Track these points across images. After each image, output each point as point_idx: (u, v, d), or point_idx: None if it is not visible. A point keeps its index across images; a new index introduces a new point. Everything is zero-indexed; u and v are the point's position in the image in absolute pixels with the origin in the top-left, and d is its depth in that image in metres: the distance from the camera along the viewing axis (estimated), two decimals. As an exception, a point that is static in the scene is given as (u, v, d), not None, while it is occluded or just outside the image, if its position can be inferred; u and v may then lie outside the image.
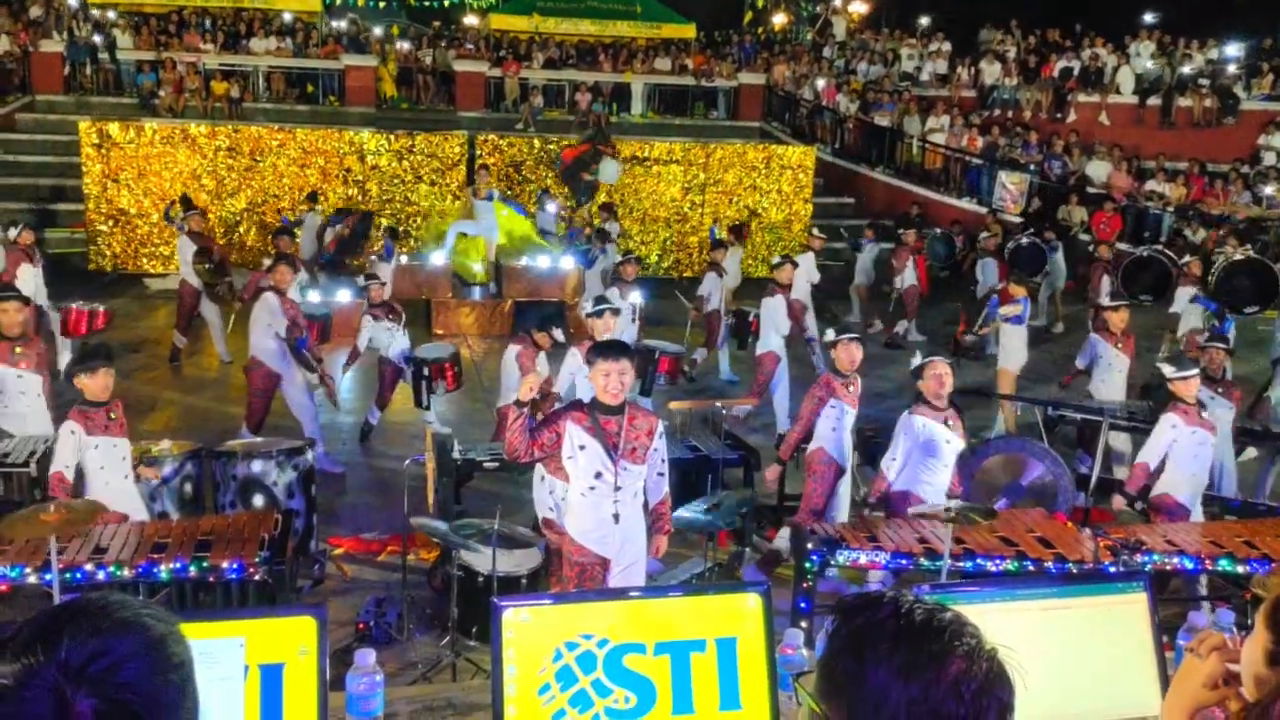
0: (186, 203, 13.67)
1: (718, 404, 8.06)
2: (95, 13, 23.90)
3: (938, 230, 16.35)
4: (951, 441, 6.20)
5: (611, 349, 4.83)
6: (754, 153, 17.95)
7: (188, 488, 6.57)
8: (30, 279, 10.10)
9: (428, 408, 9.06)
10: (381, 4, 33.98)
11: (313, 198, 15.01)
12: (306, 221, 14.58)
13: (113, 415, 5.58)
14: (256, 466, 6.58)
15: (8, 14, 21.96)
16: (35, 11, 22.61)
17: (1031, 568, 5.43)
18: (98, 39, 22.17)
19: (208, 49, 22.53)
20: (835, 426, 6.77)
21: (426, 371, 8.79)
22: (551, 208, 15.74)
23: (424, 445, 7.56)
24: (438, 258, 13.79)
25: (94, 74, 21.66)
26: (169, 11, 24.69)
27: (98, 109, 19.94)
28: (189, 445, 6.86)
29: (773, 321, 9.71)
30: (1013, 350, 9.75)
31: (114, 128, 15.74)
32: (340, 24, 28.20)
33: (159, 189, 15.47)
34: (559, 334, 7.83)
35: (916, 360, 6.38)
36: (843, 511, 6.87)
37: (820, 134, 22.21)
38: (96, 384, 5.52)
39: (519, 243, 14.55)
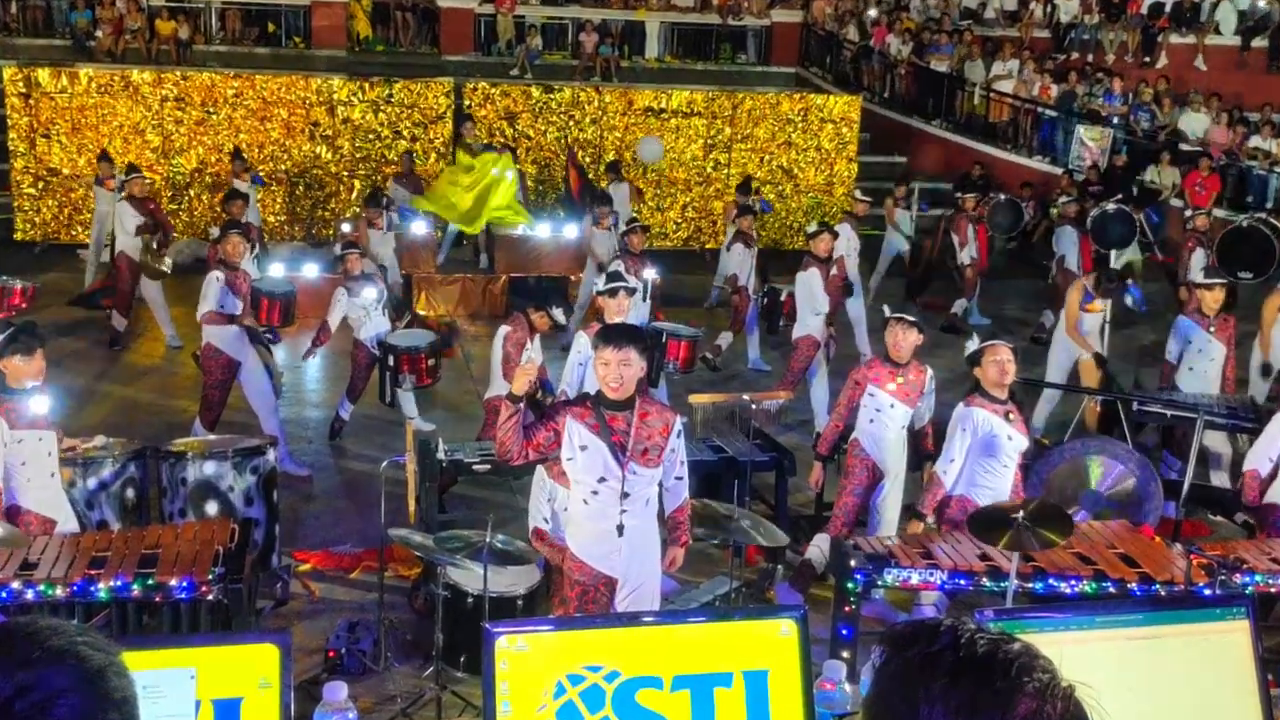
0: (107, 158, 13.65)
1: (745, 397, 8.06)
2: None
3: (1002, 196, 16.29)
4: (1014, 439, 6.18)
5: (613, 335, 4.86)
6: (789, 103, 17.89)
7: (130, 493, 6.61)
8: None
9: (391, 403, 9.11)
10: (354, -71, 33.98)
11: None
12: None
13: (39, 405, 5.62)
14: (209, 469, 6.61)
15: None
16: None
17: (1113, 590, 5.42)
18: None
19: (152, -18, 22.57)
20: (873, 419, 6.75)
21: (393, 361, 8.80)
22: (624, 189, 15.19)
23: (404, 444, 7.58)
24: (419, 226, 13.81)
25: (20, 11, 21.72)
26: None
27: (25, 52, 19.94)
28: (131, 443, 6.88)
29: (809, 300, 9.67)
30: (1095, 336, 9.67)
31: (43, 74, 15.78)
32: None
33: (96, 145, 15.50)
34: (559, 314, 7.83)
35: (973, 344, 6.36)
36: (889, 522, 6.86)
37: (867, 81, 22.13)
38: (33, 367, 5.57)
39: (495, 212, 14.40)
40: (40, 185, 15.78)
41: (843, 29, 23.67)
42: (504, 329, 7.76)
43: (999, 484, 6.19)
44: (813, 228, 10.24)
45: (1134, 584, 5.44)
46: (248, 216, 14.33)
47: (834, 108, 18.02)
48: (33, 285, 10.06)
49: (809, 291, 9.67)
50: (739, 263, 11.68)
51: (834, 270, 10.05)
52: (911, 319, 6.77)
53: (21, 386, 5.55)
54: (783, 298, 11.02)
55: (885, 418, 6.72)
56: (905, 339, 6.70)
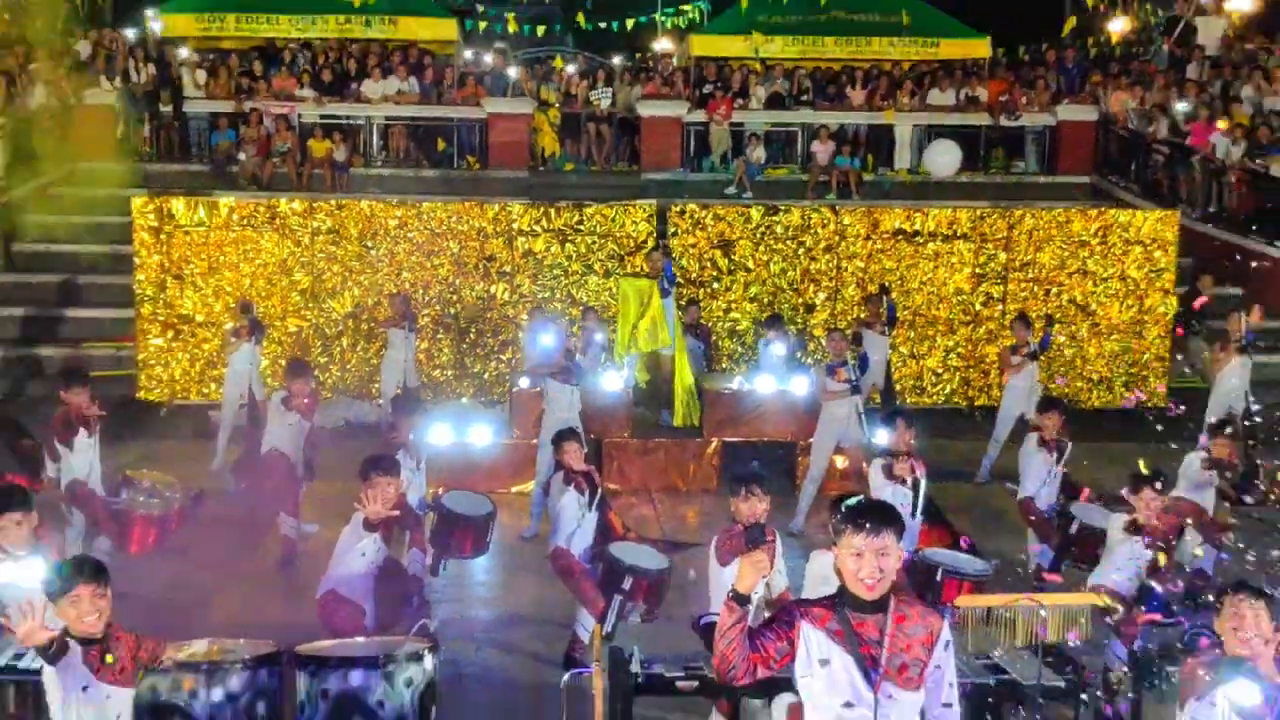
0: (247, 309, 14.50)
1: (1033, 601, 7.79)
2: (159, 51, 26.03)
3: None
4: None
5: (867, 515, 4.76)
6: (1083, 220, 17.71)
7: (261, 707, 6.75)
8: (88, 451, 10.77)
9: (610, 635, 8.93)
10: (540, 29, 35.78)
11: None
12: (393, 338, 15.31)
13: (109, 657, 5.66)
14: (356, 680, 6.72)
15: (46, 55, 23.98)
16: (82, 50, 24.63)
17: None
18: (160, 78, 24.16)
19: (305, 96, 24.10)
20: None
21: (629, 584, 8.66)
22: (781, 348, 14.85)
23: (590, 650, 7.59)
24: (612, 380, 14.05)
25: (153, 133, 23.50)
26: (253, 47, 26.53)
27: (158, 180, 21.46)
28: (266, 645, 7.05)
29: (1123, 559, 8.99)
30: None
31: (178, 205, 16.90)
32: (485, 57, 29.77)
33: (235, 287, 16.44)
34: (758, 501, 7.61)
35: None
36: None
37: (1186, 192, 21.73)
38: (79, 611, 5.63)
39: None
40: (170, 335, 16.76)
41: (1151, 127, 23.39)
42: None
43: None
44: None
45: None
46: (404, 376, 14.94)
47: (1143, 226, 17.71)
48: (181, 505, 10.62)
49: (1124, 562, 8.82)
50: (1036, 470, 10.95)
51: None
52: (1260, 589, 6.01)
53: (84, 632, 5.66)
54: (1074, 529, 10.10)
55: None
56: (1257, 623, 5.83)
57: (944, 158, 21.94)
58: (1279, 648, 5.77)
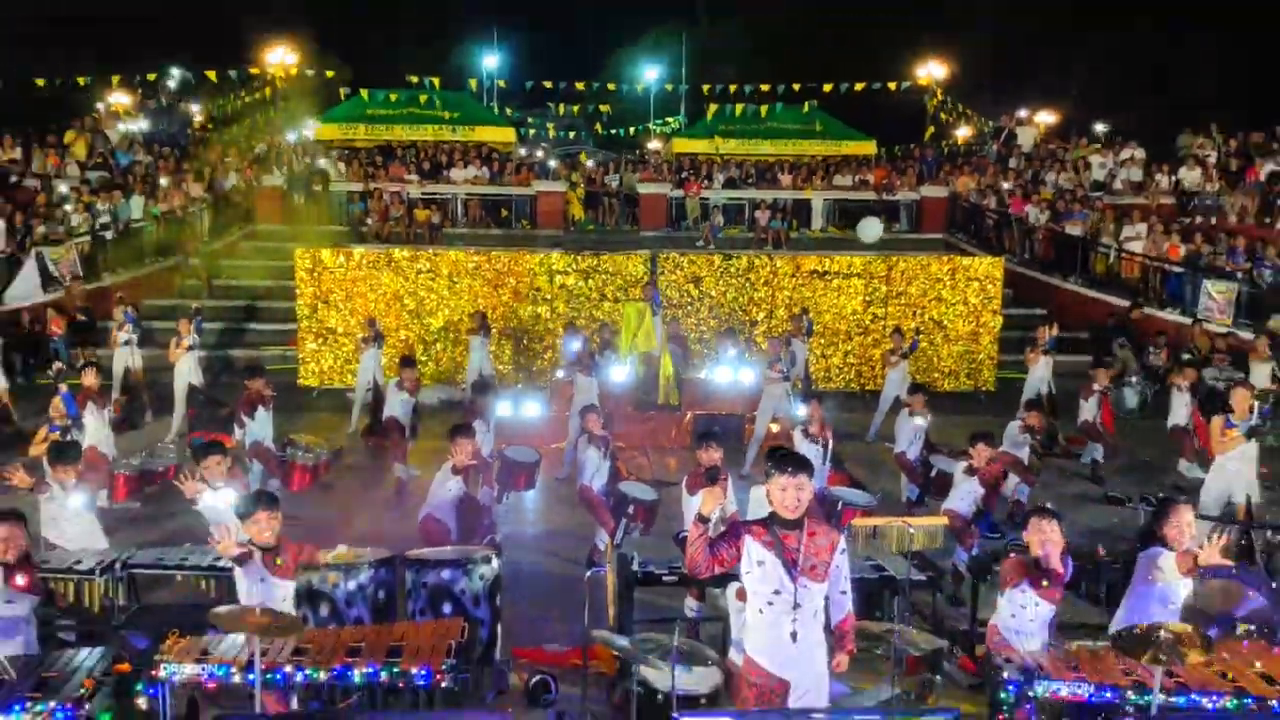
0: (372, 324, 14.50)
1: (904, 522, 7.81)
2: (313, 149, 26.11)
3: (1133, 379, 15.30)
4: (1186, 589, 5.81)
5: (789, 462, 4.75)
6: (938, 264, 17.68)
7: (381, 594, 6.79)
8: (265, 420, 10.78)
9: (619, 545, 9.00)
10: (571, 134, 35.83)
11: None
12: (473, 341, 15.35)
13: (279, 560, 5.66)
14: (446, 575, 6.76)
15: (237, 152, 24.29)
16: (259, 149, 24.96)
17: (1254, 706, 4.98)
18: (316, 166, 24.19)
19: (412, 179, 24.15)
20: (1015, 614, 5.84)
21: (630, 510, 8.76)
22: (734, 350, 14.83)
23: (605, 555, 7.59)
24: (619, 372, 14.05)
25: (308, 204, 23.53)
26: (377, 146, 26.75)
27: (311, 236, 21.35)
28: (384, 551, 7.10)
29: (964, 499, 8.74)
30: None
31: (326, 253, 16.90)
32: (535, 153, 29.83)
33: (364, 309, 16.47)
34: (715, 452, 7.56)
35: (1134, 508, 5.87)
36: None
37: (1008, 245, 21.74)
38: (259, 528, 5.68)
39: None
40: (320, 341, 16.76)
41: (985, 200, 23.42)
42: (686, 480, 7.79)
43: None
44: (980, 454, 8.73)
45: (1275, 701, 4.99)
46: (480, 369, 14.99)
47: (979, 268, 17.69)
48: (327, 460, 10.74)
49: (965, 495, 8.74)
50: (906, 433, 10.94)
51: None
52: (1054, 510, 5.98)
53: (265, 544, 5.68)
54: (932, 473, 10.38)
55: (1028, 615, 5.86)
56: (1050, 534, 5.77)
57: (872, 228, 21.57)
58: (1064, 548, 5.82)
